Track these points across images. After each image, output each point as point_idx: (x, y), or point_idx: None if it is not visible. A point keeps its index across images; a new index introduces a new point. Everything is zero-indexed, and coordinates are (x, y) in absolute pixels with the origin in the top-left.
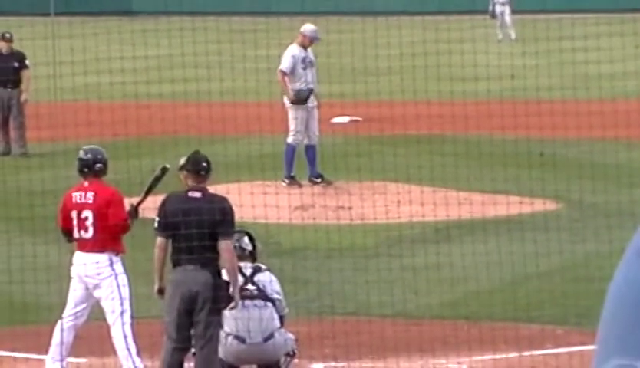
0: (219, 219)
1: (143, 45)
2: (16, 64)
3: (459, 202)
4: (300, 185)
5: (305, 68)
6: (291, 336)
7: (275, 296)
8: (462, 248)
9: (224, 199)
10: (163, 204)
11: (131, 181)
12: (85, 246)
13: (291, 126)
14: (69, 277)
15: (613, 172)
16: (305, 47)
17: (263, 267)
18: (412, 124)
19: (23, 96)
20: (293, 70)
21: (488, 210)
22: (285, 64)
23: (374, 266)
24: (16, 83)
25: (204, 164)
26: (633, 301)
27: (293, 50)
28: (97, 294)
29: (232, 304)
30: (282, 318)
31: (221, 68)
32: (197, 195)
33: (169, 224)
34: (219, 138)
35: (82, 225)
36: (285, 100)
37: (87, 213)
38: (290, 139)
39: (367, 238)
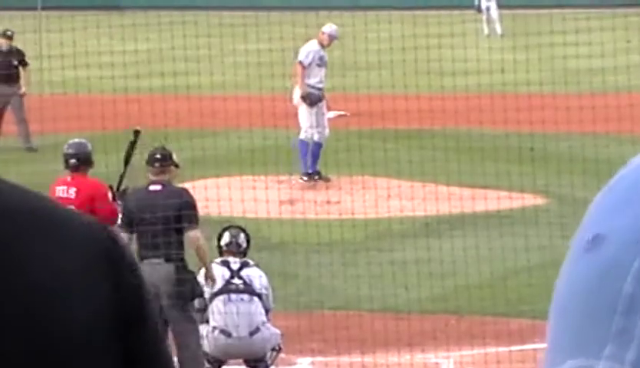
0: (178, 214)
1: (133, 39)
2: (15, 62)
3: (449, 196)
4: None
5: (319, 66)
6: (276, 330)
7: (263, 291)
8: (452, 242)
9: (183, 192)
10: (125, 200)
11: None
12: None
13: (305, 123)
14: None
15: (604, 167)
16: (323, 46)
17: (251, 262)
18: (402, 118)
19: (22, 90)
20: (309, 66)
21: (478, 205)
22: (304, 56)
23: (363, 260)
24: (16, 79)
25: (157, 156)
26: (585, 299)
27: (313, 46)
28: None
29: (213, 285)
30: (267, 312)
31: (211, 62)
32: (157, 188)
33: (130, 219)
34: (209, 132)
35: None
36: (295, 96)
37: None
38: (302, 136)
39: (356, 233)
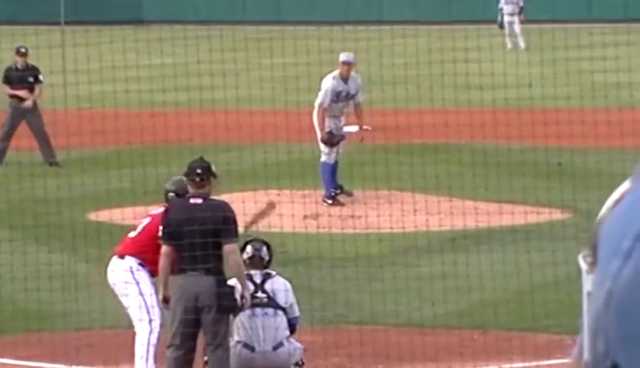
0: (217, 227)
1: (159, 53)
2: (31, 79)
3: (475, 211)
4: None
5: (336, 102)
6: (299, 345)
7: (288, 303)
8: (478, 257)
9: (223, 205)
10: (166, 212)
11: (147, 189)
12: (120, 249)
13: (325, 149)
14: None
15: None
16: (344, 78)
17: (273, 273)
18: (428, 132)
19: (27, 103)
20: (328, 105)
21: (505, 219)
22: (321, 98)
23: (388, 275)
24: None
25: (199, 171)
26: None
27: (329, 82)
28: (124, 301)
29: (246, 306)
30: (292, 322)
31: (236, 76)
32: (198, 201)
33: (172, 233)
34: (235, 146)
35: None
36: (316, 126)
37: (146, 218)
38: (324, 158)
39: (382, 247)
